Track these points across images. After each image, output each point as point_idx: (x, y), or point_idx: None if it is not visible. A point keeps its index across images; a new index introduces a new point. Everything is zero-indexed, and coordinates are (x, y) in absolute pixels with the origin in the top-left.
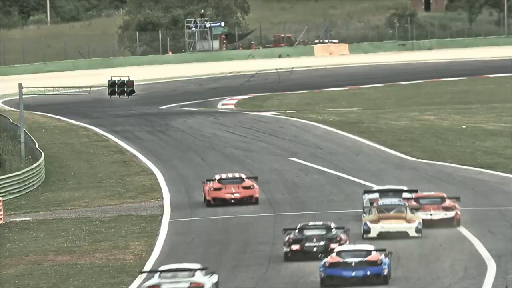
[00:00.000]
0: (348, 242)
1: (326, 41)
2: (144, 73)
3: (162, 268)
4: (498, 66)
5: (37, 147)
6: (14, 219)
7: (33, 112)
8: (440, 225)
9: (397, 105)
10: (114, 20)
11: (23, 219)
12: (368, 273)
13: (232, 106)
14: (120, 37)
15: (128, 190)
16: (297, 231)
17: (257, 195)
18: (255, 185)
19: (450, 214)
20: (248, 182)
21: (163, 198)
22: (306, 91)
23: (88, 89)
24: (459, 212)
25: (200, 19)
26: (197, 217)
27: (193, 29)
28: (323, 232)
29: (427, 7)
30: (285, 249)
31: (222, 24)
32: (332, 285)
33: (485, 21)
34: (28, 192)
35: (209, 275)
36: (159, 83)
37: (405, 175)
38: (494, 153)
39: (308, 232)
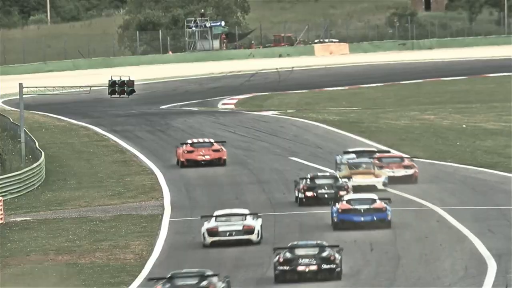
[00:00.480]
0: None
1: (327, 40)
2: (145, 72)
3: (217, 213)
4: (498, 65)
5: (37, 146)
6: (14, 219)
7: (33, 111)
8: (401, 181)
9: (397, 105)
10: (114, 20)
11: (24, 218)
12: (375, 218)
13: (233, 106)
14: (121, 37)
15: (128, 189)
16: (308, 180)
17: (225, 157)
18: (223, 148)
19: (410, 171)
20: (217, 146)
21: (163, 197)
22: (306, 91)
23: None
24: (417, 171)
25: (200, 18)
26: (197, 217)
27: (194, 28)
28: (332, 181)
29: (427, 6)
30: (300, 195)
31: (223, 23)
32: (344, 228)
33: (485, 20)
34: (28, 191)
35: (256, 219)
36: (160, 82)
37: None
38: (494, 152)
39: (319, 181)
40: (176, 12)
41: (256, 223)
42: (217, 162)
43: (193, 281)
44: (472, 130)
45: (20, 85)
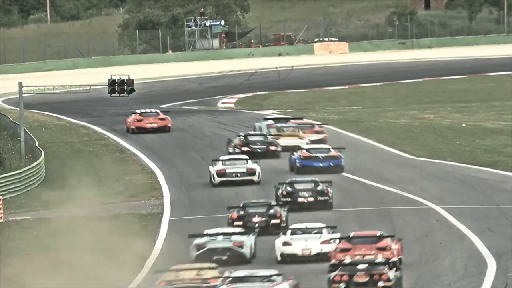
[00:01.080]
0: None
1: (326, 39)
2: (144, 71)
3: (223, 157)
4: (498, 64)
5: (37, 145)
6: (14, 218)
7: (33, 110)
8: (312, 143)
9: (397, 104)
10: (114, 19)
11: (23, 217)
12: (332, 164)
13: (232, 105)
14: (120, 36)
15: (128, 188)
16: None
17: (169, 125)
18: (169, 117)
19: (320, 136)
20: (162, 115)
21: (163, 196)
22: (306, 90)
23: (88, 87)
24: (326, 135)
25: (200, 17)
26: (197, 216)
27: (193, 27)
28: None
29: (427, 5)
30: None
31: (222, 22)
32: (305, 172)
33: (485, 19)
34: (28, 190)
35: (257, 163)
36: (159, 81)
37: (405, 174)
38: (494, 151)
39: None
40: (175, 11)
41: (257, 166)
42: (163, 129)
43: (263, 209)
44: (472, 129)
45: (20, 84)
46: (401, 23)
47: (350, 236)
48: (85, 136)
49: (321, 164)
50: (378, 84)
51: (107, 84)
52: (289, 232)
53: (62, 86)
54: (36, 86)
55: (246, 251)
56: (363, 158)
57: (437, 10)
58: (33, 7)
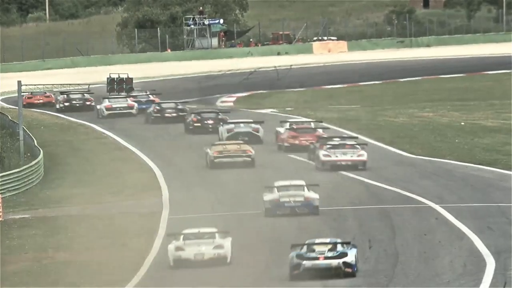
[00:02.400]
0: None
1: (325, 38)
2: (143, 70)
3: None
4: (497, 62)
5: (36, 144)
6: (13, 216)
7: (32, 109)
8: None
9: (395, 102)
10: (112, 18)
11: (22, 216)
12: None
13: (231, 104)
14: (119, 35)
15: (127, 187)
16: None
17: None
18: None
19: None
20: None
21: (162, 195)
22: (304, 89)
23: (87, 86)
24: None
25: (198, 16)
26: (196, 214)
27: (192, 26)
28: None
29: (426, 4)
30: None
31: (221, 21)
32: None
33: (483, 18)
34: (27, 189)
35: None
36: (158, 80)
37: (404, 172)
38: (493, 149)
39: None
40: (174, 9)
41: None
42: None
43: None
44: (470, 127)
45: (19, 82)
46: (399, 21)
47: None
48: (84, 134)
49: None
50: (376, 82)
51: (106, 82)
52: (181, 237)
53: (61, 85)
54: (35, 85)
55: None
56: None
57: (435, 8)
58: (32, 5)
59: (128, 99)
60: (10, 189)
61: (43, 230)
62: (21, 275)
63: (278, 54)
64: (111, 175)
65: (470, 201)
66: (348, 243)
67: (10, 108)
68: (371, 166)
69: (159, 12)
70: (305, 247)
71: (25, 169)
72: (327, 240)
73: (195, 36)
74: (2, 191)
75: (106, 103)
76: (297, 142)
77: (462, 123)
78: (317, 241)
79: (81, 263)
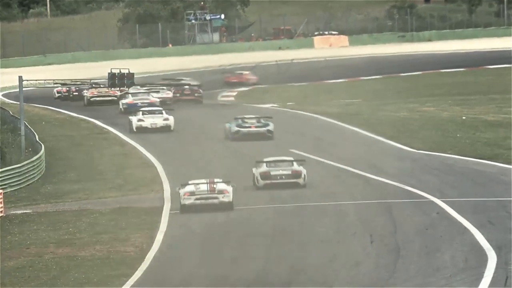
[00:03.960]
0: None
1: (326, 33)
2: (144, 65)
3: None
4: (498, 57)
5: (37, 139)
6: (14, 212)
7: (33, 104)
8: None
9: (396, 97)
10: (114, 13)
11: (24, 211)
12: None
13: (232, 99)
14: (120, 30)
15: (128, 182)
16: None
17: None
18: None
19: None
20: None
21: (163, 190)
22: (306, 83)
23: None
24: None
25: (200, 11)
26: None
27: (193, 21)
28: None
29: None
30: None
31: (222, 16)
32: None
33: (484, 12)
34: (28, 184)
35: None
36: (159, 75)
37: (405, 167)
38: (494, 144)
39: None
40: (175, 5)
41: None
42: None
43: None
44: (471, 122)
45: (20, 78)
46: (401, 16)
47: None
48: (85, 130)
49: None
50: (377, 77)
51: (107, 78)
52: (140, 113)
53: (62, 80)
54: (36, 80)
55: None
56: (363, 151)
57: (437, 3)
58: (33, 1)
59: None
60: (11, 184)
61: (44, 225)
62: (22, 270)
63: (279, 48)
64: (112, 170)
65: (471, 195)
66: (269, 118)
67: (11, 103)
68: (372, 160)
69: (160, 7)
70: (239, 120)
71: (27, 164)
72: (255, 116)
73: (196, 31)
74: (4, 186)
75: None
76: None
77: (463, 118)
78: (247, 116)
79: (82, 258)
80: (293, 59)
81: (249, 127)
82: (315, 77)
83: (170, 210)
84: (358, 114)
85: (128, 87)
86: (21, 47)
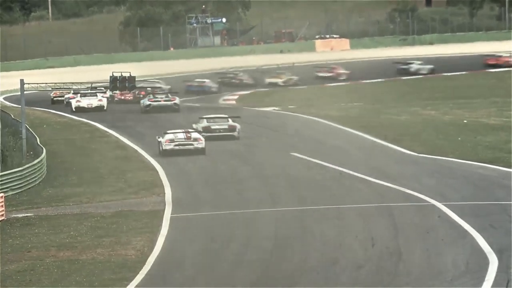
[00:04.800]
0: None
1: (327, 36)
2: (146, 69)
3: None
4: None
5: (38, 143)
6: (15, 215)
7: (34, 108)
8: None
9: (398, 100)
10: (115, 16)
11: (25, 215)
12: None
13: (234, 102)
14: (122, 33)
15: (129, 185)
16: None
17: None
18: None
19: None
20: None
21: (164, 193)
22: (307, 86)
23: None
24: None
25: (201, 15)
26: (199, 213)
27: (194, 25)
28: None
29: (428, 2)
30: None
31: (224, 20)
32: None
33: (486, 15)
34: (29, 188)
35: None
36: (161, 79)
37: (407, 170)
38: (495, 147)
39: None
40: (177, 8)
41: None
42: None
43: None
44: (473, 125)
45: (21, 81)
46: (402, 19)
47: None
48: (86, 133)
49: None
50: (379, 80)
51: (109, 81)
52: (79, 95)
53: (63, 83)
54: (37, 83)
55: None
56: (365, 155)
57: (438, 6)
58: (35, 4)
59: (169, 94)
60: (12, 187)
61: (45, 229)
62: (24, 274)
63: (281, 52)
64: (113, 174)
65: (473, 199)
66: (176, 93)
67: (12, 106)
68: (373, 163)
69: (161, 11)
70: (151, 95)
71: (28, 167)
72: (165, 91)
73: (198, 34)
74: (5, 190)
75: (150, 96)
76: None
77: (465, 121)
78: (158, 94)
79: (84, 261)
80: (294, 63)
81: (159, 101)
82: (316, 80)
83: (171, 214)
84: (360, 118)
85: (130, 90)
86: (23, 50)
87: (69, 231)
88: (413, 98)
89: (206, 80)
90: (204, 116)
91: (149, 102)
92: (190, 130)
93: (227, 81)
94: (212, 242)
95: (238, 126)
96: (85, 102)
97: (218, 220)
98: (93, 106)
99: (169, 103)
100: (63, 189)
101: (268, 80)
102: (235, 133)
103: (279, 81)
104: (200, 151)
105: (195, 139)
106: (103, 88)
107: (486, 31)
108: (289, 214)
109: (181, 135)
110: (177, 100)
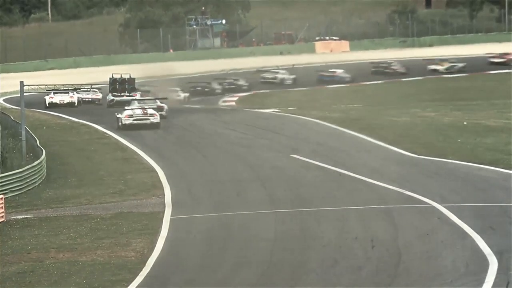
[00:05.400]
0: None
1: (327, 38)
2: (145, 70)
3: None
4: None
5: (38, 144)
6: (15, 217)
7: (34, 109)
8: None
9: (398, 102)
10: (115, 18)
11: (25, 216)
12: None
13: (233, 103)
14: (121, 35)
15: (129, 187)
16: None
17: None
18: None
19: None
20: None
21: (164, 195)
22: (307, 88)
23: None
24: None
25: (201, 16)
26: (198, 214)
27: (194, 26)
28: None
29: (428, 3)
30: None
31: (223, 21)
32: None
33: (485, 17)
34: (29, 189)
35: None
36: (160, 80)
37: (406, 172)
38: (495, 149)
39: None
40: (176, 10)
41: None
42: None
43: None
44: (473, 127)
45: (21, 83)
46: (402, 21)
47: None
48: (86, 135)
49: None
50: (379, 82)
51: (109, 83)
52: (52, 93)
53: (63, 85)
54: (37, 85)
55: None
56: (365, 156)
57: (438, 8)
58: (34, 6)
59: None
60: (12, 189)
61: (45, 230)
62: (23, 275)
63: (281, 53)
64: (113, 175)
65: (473, 200)
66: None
67: (12, 108)
68: (373, 165)
69: (161, 13)
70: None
71: (28, 169)
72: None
73: (198, 36)
74: (5, 191)
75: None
76: None
77: (465, 123)
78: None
79: (83, 263)
80: (294, 65)
81: (122, 96)
82: (316, 82)
83: (171, 215)
84: (360, 119)
85: (129, 92)
86: (22, 52)
87: (69, 232)
88: (413, 100)
89: (338, 70)
90: (135, 98)
91: (112, 98)
92: (145, 106)
93: (381, 71)
94: (212, 243)
95: (165, 106)
96: (57, 99)
97: (217, 221)
98: (65, 102)
99: (129, 98)
100: (62, 191)
101: (429, 67)
102: (163, 113)
103: (440, 68)
104: (155, 126)
105: (151, 115)
106: (97, 90)
107: (486, 32)
108: (289, 215)
109: (139, 111)
110: (138, 96)
